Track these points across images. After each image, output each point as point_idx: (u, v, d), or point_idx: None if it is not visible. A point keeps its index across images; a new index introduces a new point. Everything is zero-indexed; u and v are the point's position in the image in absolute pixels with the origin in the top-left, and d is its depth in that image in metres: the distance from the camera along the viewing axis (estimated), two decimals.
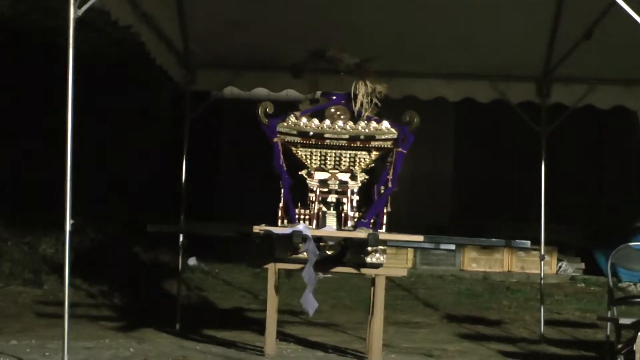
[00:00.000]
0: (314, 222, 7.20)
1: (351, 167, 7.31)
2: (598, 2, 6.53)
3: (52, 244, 12.55)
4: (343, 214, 7.28)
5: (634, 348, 6.88)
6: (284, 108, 7.38)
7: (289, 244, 6.90)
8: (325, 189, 7.30)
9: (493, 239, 8.45)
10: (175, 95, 12.67)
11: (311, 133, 7.21)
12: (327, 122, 7.21)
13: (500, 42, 8.84)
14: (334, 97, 7.37)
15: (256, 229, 6.97)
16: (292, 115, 7.26)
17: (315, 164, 7.30)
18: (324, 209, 7.28)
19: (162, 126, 15.15)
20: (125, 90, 15.02)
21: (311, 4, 8.22)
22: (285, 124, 7.23)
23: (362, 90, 7.23)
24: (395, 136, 7.20)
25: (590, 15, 8.02)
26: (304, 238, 6.78)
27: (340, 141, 7.23)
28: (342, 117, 7.24)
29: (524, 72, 9.50)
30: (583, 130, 14.36)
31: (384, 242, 7.07)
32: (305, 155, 7.31)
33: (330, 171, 7.31)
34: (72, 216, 6.13)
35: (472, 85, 9.67)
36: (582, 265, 13.96)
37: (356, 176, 7.30)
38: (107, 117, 14.64)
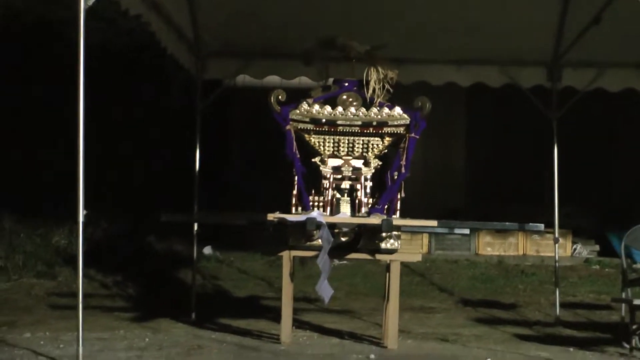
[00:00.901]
0: (328, 209, 7.22)
1: (364, 154, 7.32)
2: None
3: (65, 236, 12.58)
4: (357, 201, 7.29)
5: None
6: (297, 96, 7.39)
7: (303, 232, 6.91)
8: (339, 176, 7.31)
9: (507, 223, 8.43)
10: (187, 84, 12.68)
11: (324, 120, 7.22)
12: (340, 109, 7.22)
13: (510, 27, 8.83)
14: (346, 84, 7.38)
15: (270, 216, 6.98)
16: (304, 102, 7.27)
17: (328, 150, 7.31)
18: (338, 195, 7.30)
19: (174, 116, 15.15)
20: (136, 80, 15.04)
21: None
22: (298, 111, 7.24)
23: (373, 76, 7.24)
24: (407, 122, 7.21)
25: (599, 0, 8.01)
26: (318, 225, 6.79)
27: (353, 127, 7.24)
28: (354, 103, 7.25)
29: (534, 57, 9.49)
30: (595, 114, 14.30)
31: (398, 228, 7.08)
32: (318, 142, 7.32)
33: (343, 158, 7.32)
34: (85, 207, 6.14)
35: (482, 70, 9.68)
36: (597, 248, 13.93)
37: (369, 162, 7.31)
38: (118, 107, 14.66)
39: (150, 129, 15.10)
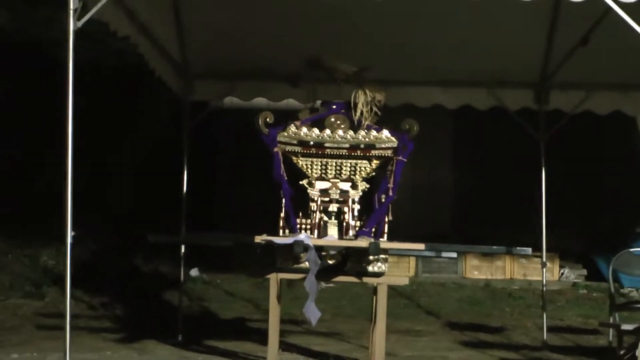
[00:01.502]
0: (315, 231, 7.20)
1: (352, 176, 7.31)
2: (594, 8, 6.54)
3: (52, 256, 12.55)
4: (344, 223, 7.28)
5: (636, 354, 6.90)
6: (284, 117, 7.39)
7: (291, 254, 6.90)
8: (327, 198, 7.30)
9: (494, 246, 8.45)
10: (175, 105, 12.70)
11: (311, 142, 7.22)
12: (328, 131, 7.21)
13: (497, 48, 8.84)
14: (334, 106, 7.37)
15: (257, 238, 6.97)
16: (292, 124, 7.26)
17: (316, 173, 7.31)
18: (325, 218, 7.28)
19: (162, 136, 15.14)
20: (124, 100, 15.03)
21: (308, 14, 8.23)
22: (286, 133, 7.24)
23: (361, 98, 7.24)
24: (395, 145, 7.20)
25: (587, 21, 8.03)
26: (306, 247, 6.78)
27: (341, 150, 7.23)
28: (342, 126, 7.25)
29: (521, 79, 9.51)
30: (583, 136, 14.34)
31: (385, 251, 7.07)
32: (306, 164, 7.31)
33: (331, 180, 7.31)
34: (73, 228, 6.13)
35: (469, 93, 9.69)
36: (584, 272, 13.95)
37: (357, 185, 7.30)
38: (106, 127, 14.64)
39: (139, 150, 15.09)
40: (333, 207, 7.30)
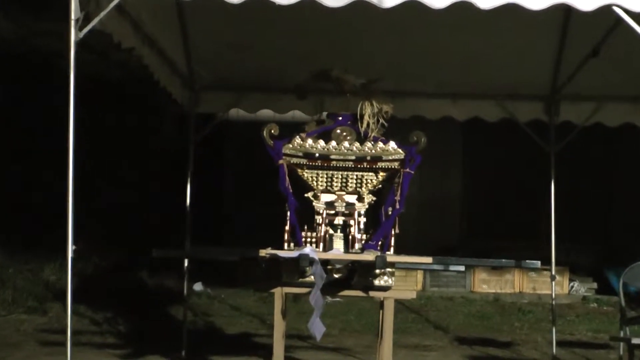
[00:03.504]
0: (321, 245, 7.17)
1: (358, 189, 7.28)
2: (605, 19, 6.52)
3: (55, 270, 12.53)
4: (350, 237, 7.24)
5: None
6: (290, 130, 7.37)
7: (296, 268, 6.86)
8: (332, 211, 7.27)
9: (503, 260, 8.40)
10: (180, 117, 12.71)
11: (317, 154, 7.19)
12: (333, 143, 7.19)
13: (507, 60, 8.84)
14: (340, 118, 7.35)
15: (262, 252, 6.94)
16: (297, 136, 7.24)
17: (321, 185, 7.28)
18: (331, 231, 7.25)
19: (167, 149, 15.16)
20: (129, 113, 15.06)
21: (315, 26, 8.22)
22: (291, 145, 7.22)
23: (368, 110, 7.22)
24: (402, 157, 7.17)
25: (597, 32, 8.01)
26: (311, 261, 6.74)
27: (347, 162, 7.21)
28: (348, 138, 7.22)
29: (531, 91, 9.50)
30: (593, 148, 14.33)
31: (392, 265, 7.04)
32: (312, 177, 7.29)
33: (337, 193, 7.28)
34: (75, 242, 6.10)
35: (479, 105, 9.68)
36: (594, 285, 13.92)
37: (363, 198, 7.27)
38: (110, 139, 14.67)
39: (143, 162, 15.10)
40: (339, 220, 7.26)
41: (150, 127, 15.66)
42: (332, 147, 7.18)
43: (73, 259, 6.09)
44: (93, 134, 12.61)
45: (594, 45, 8.26)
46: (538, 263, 7.51)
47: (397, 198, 7.17)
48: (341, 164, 7.22)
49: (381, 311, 7.36)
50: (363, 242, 7.22)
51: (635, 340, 7.38)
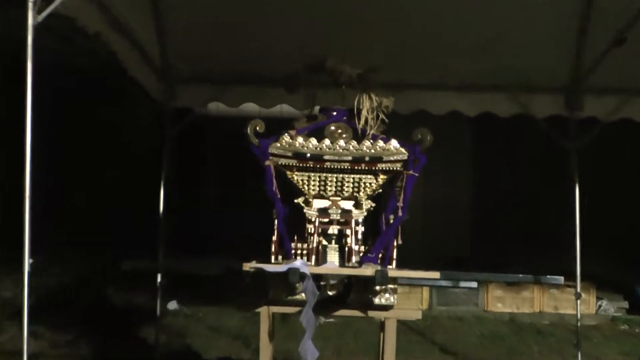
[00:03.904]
0: (313, 257, 7.17)
1: (355, 194, 7.29)
2: (631, 3, 6.54)
3: (10, 286, 12.53)
4: (346, 248, 7.24)
5: None
6: (278, 126, 7.37)
7: (285, 283, 6.86)
8: (326, 219, 7.27)
9: (520, 274, 8.42)
10: (154, 113, 12.71)
11: (308, 155, 7.19)
12: (327, 141, 7.19)
13: (522, 48, 8.85)
14: (334, 113, 7.35)
15: (246, 266, 6.93)
16: (286, 134, 7.23)
17: (313, 190, 7.28)
18: (325, 242, 7.25)
19: (139, 147, 15.16)
20: (96, 107, 15.06)
21: (306, 9, 8.24)
22: (279, 144, 7.21)
23: (366, 104, 7.22)
24: (405, 157, 7.17)
25: (623, 18, 8.03)
26: (302, 276, 6.75)
27: (342, 163, 7.20)
28: (343, 135, 7.22)
29: (550, 83, 9.52)
30: (620, 147, 14.36)
31: (394, 280, 7.04)
32: (302, 180, 7.29)
33: (331, 198, 7.28)
34: (34, 254, 6.09)
35: (490, 98, 9.70)
36: (625, 304, 13.94)
37: (361, 204, 7.28)
38: (76, 137, 14.66)
39: (113, 163, 15.11)
40: (333, 229, 7.26)
41: (121, 124, 15.66)
42: (326, 146, 7.18)
43: (30, 274, 6.08)
44: (56, 131, 12.60)
45: (619, 31, 8.26)
46: (561, 279, 7.52)
47: (400, 204, 7.17)
48: (336, 165, 7.21)
49: (382, 333, 7.37)
50: (361, 254, 7.22)
51: None
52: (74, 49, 14.09)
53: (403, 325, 10.87)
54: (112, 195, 14.99)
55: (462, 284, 7.81)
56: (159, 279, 9.12)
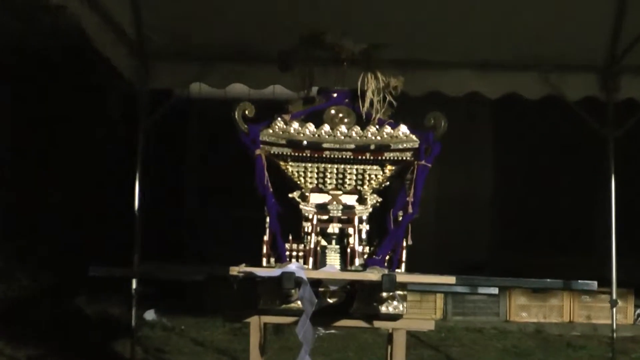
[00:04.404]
0: (311, 260, 7.15)
1: (358, 187, 7.26)
2: None
3: None
4: (348, 249, 7.22)
5: None
6: (270, 110, 7.35)
7: (278, 290, 6.84)
8: (325, 217, 7.25)
9: (548, 280, 8.38)
10: (128, 96, 12.72)
11: (305, 142, 7.16)
12: (326, 127, 7.16)
13: (552, 22, 8.85)
14: (335, 95, 7.33)
15: (234, 270, 6.90)
16: (279, 119, 7.21)
17: (311, 183, 7.26)
18: (324, 242, 7.24)
19: (112, 136, 15.18)
20: (62, 92, 15.04)
21: None
22: (271, 131, 7.18)
23: (371, 85, 7.20)
24: (415, 145, 7.15)
25: None
26: (298, 282, 6.73)
27: (344, 153, 7.18)
28: (345, 120, 7.20)
29: (584, 61, 9.52)
30: None
31: (403, 286, 7.02)
32: (298, 171, 7.26)
33: (331, 192, 7.26)
34: None
35: (516, 78, 9.71)
36: None
37: (365, 199, 7.26)
38: (40, 127, 14.66)
39: (81, 155, 15.10)
40: (334, 228, 7.24)
41: (90, 110, 15.65)
42: (325, 132, 7.16)
43: None
44: (16, 121, 12.60)
45: None
46: (594, 284, 7.49)
47: (410, 199, 7.14)
48: (336, 154, 7.19)
49: (389, 346, 7.35)
50: (365, 256, 7.20)
51: None
52: (34, 28, 14.11)
53: (413, 338, 10.87)
54: (82, 194, 14.98)
55: (481, 290, 7.82)
56: (134, 286, 9.08)
